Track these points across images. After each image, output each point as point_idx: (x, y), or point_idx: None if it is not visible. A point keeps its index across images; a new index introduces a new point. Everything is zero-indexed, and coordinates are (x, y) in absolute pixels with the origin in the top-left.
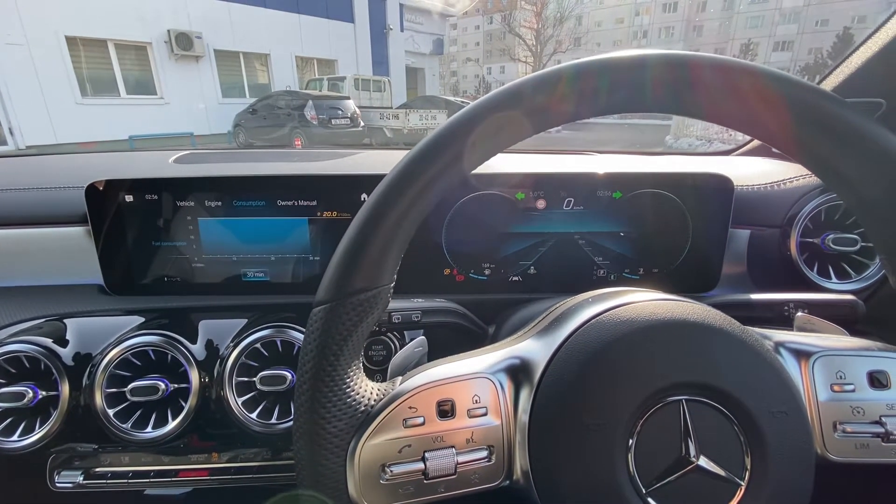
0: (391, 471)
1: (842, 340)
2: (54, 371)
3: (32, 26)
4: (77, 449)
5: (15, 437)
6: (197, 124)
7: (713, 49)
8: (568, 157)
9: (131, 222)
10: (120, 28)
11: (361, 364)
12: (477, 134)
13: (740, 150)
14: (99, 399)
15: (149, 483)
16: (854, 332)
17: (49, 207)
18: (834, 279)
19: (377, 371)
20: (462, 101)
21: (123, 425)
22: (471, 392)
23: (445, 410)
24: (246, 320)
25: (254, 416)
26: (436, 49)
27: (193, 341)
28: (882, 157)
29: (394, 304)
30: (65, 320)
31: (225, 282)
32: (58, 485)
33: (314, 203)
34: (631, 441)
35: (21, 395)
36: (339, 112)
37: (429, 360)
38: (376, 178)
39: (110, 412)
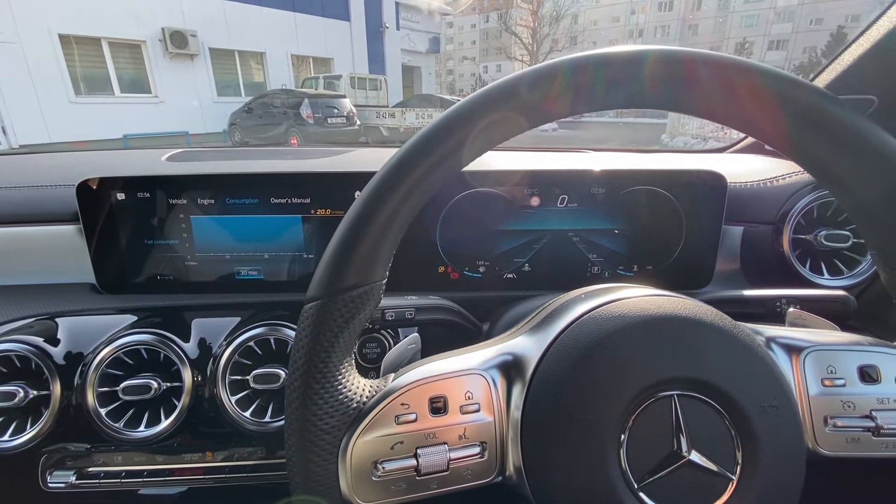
0: (383, 468)
1: (833, 335)
2: (45, 370)
3: (25, 24)
4: (69, 448)
5: (6, 437)
6: (192, 123)
7: (708, 48)
8: (563, 154)
9: (123, 220)
10: (114, 26)
11: (354, 361)
12: (471, 129)
13: (734, 148)
14: (91, 398)
15: (142, 483)
16: (845, 327)
17: (40, 206)
18: (826, 275)
19: (371, 369)
20: (458, 100)
21: (116, 424)
22: (463, 388)
23: (438, 407)
24: (239, 318)
25: (247, 414)
26: (432, 47)
27: (186, 340)
28: (874, 155)
29: (388, 302)
30: (56, 319)
31: (218, 280)
32: (50, 485)
33: (308, 201)
34: (623, 436)
35: (12, 395)
36: (336, 111)
37: (423, 357)
38: (370, 176)
39: (102, 411)
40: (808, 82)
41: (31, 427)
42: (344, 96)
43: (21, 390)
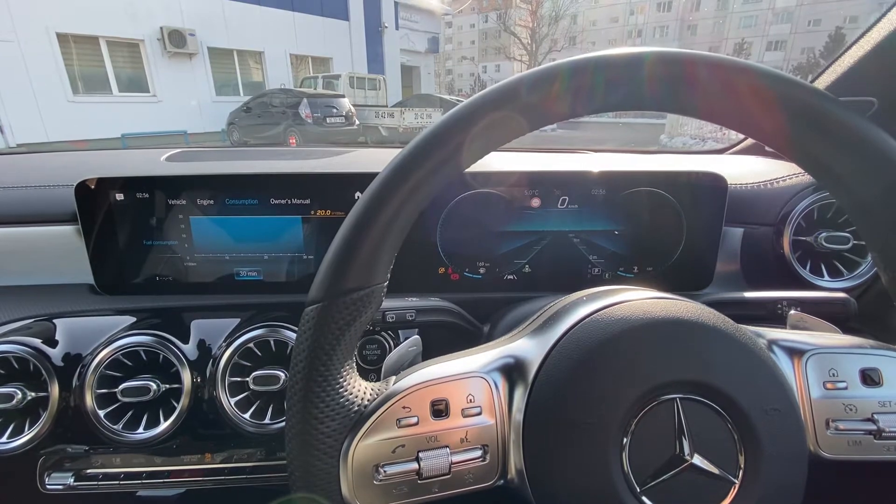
0: (385, 471)
1: (834, 338)
2: (44, 372)
3: (23, 23)
4: (67, 450)
5: (4, 439)
6: (191, 122)
7: (707, 48)
8: (563, 155)
9: (122, 221)
10: (112, 25)
11: (355, 364)
12: (472, 131)
13: (734, 149)
14: (89, 400)
15: (141, 484)
16: (846, 329)
17: (38, 206)
18: (826, 277)
19: (371, 370)
20: (457, 100)
21: (114, 426)
22: (465, 391)
23: (439, 410)
24: (239, 320)
25: (247, 416)
26: (431, 47)
27: (185, 341)
28: (875, 156)
29: (388, 303)
30: (54, 320)
31: (217, 281)
32: (48, 487)
33: (308, 201)
34: (625, 440)
35: (9, 397)
36: (335, 110)
37: (423, 360)
38: (370, 177)
39: (101, 413)
40: (807, 83)
41: (29, 429)
42: (343, 96)
43: (19, 392)
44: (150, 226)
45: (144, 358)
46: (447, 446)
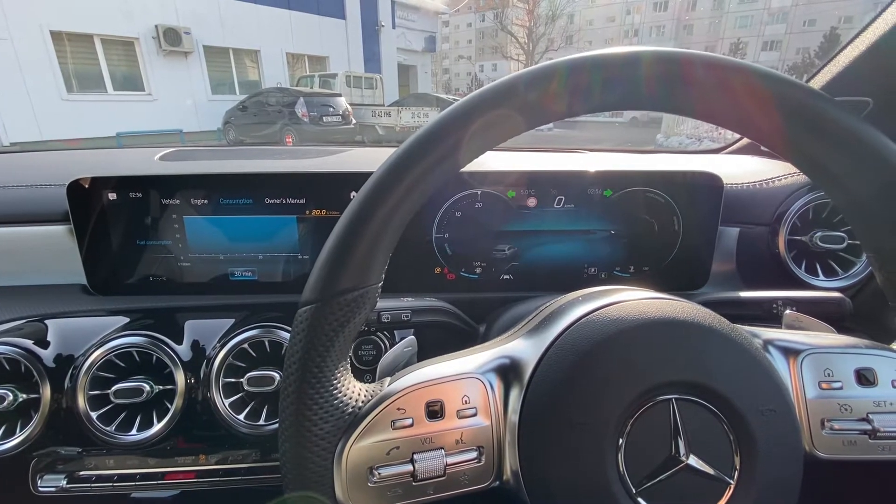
0: (379, 473)
1: (829, 338)
2: (35, 373)
3: (16, 20)
4: (60, 452)
5: None
6: (186, 121)
7: (703, 48)
8: (559, 155)
9: (115, 221)
10: (106, 23)
11: (349, 365)
12: (468, 130)
13: (730, 149)
14: (81, 402)
15: (135, 486)
16: (842, 329)
17: (30, 205)
18: (821, 276)
19: (367, 371)
20: (454, 99)
21: (107, 428)
22: (460, 392)
23: (434, 411)
24: (233, 320)
25: (241, 417)
26: (428, 46)
27: (179, 342)
28: (870, 155)
29: (383, 304)
30: (46, 321)
31: (212, 281)
32: (40, 489)
33: (303, 201)
34: (621, 440)
35: (0, 399)
36: (331, 109)
37: (419, 360)
38: (366, 176)
39: (93, 415)
40: (803, 83)
41: (20, 431)
42: (339, 95)
43: (10, 393)
44: (143, 225)
45: (137, 359)
46: (442, 448)
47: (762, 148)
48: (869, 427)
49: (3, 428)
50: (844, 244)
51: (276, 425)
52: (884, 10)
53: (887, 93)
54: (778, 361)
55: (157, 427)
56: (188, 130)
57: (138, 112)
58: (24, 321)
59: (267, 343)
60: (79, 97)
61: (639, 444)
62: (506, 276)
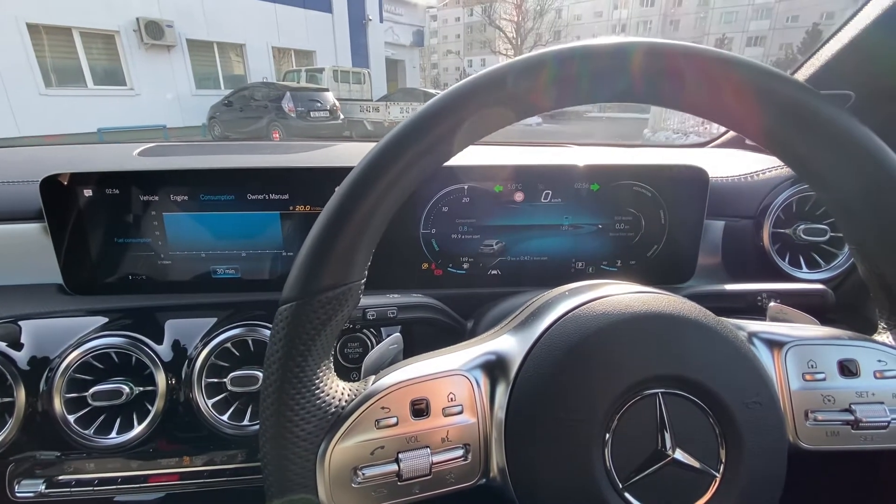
0: (363, 473)
1: (813, 330)
2: (8, 376)
3: None
4: (38, 457)
5: None
6: (170, 116)
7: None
8: (546, 149)
9: (91, 218)
10: (85, 15)
11: (332, 363)
12: (454, 121)
13: (715, 143)
14: (58, 405)
15: (116, 490)
16: (825, 320)
17: (2, 203)
18: (805, 269)
19: (353, 369)
20: None
21: (85, 431)
22: (446, 390)
23: (420, 410)
24: (215, 319)
25: (225, 418)
26: (416, 41)
27: (160, 342)
28: (854, 150)
29: (369, 301)
30: (20, 322)
31: (193, 279)
32: (18, 495)
33: (286, 196)
34: (607, 436)
35: None
36: (318, 104)
37: (406, 357)
38: (351, 170)
39: (70, 418)
40: (789, 76)
41: None
42: (327, 90)
43: None
44: (121, 223)
45: (116, 360)
46: (428, 446)
47: (747, 142)
48: (851, 417)
49: None
50: (827, 236)
51: None
52: (864, 4)
53: (869, 86)
54: (762, 354)
55: (137, 429)
56: (172, 126)
57: (120, 107)
58: None
59: (251, 342)
60: (58, 92)
61: (625, 438)
62: (493, 272)
